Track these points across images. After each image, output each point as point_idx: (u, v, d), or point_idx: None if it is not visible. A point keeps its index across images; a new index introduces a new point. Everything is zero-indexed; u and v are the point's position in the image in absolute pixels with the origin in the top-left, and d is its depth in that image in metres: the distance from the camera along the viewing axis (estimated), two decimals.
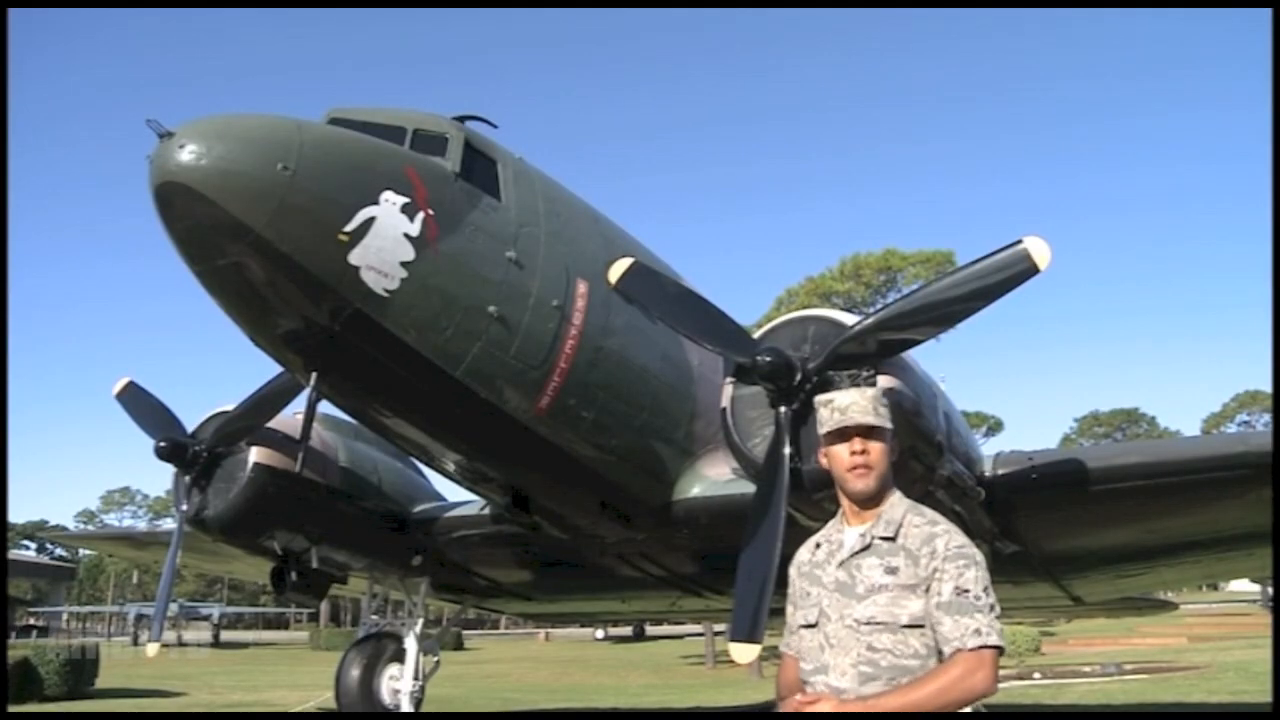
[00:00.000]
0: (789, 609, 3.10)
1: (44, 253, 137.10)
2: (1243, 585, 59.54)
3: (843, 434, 2.99)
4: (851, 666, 2.78)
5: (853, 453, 2.97)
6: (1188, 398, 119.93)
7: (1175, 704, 15.22)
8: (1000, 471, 7.79)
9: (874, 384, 6.41)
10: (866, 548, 2.89)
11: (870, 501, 2.97)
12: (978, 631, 2.69)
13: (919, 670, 2.74)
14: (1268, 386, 52.15)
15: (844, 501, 3.04)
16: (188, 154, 5.78)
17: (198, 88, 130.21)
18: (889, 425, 3.02)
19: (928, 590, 2.77)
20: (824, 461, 3.08)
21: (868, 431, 2.97)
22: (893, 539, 2.86)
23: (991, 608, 2.76)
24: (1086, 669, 22.26)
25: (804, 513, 6.77)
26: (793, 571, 3.13)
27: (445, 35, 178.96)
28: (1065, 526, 8.64)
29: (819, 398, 3.12)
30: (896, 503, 2.99)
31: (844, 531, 3.01)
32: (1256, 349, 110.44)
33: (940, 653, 2.75)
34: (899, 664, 2.75)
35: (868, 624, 2.78)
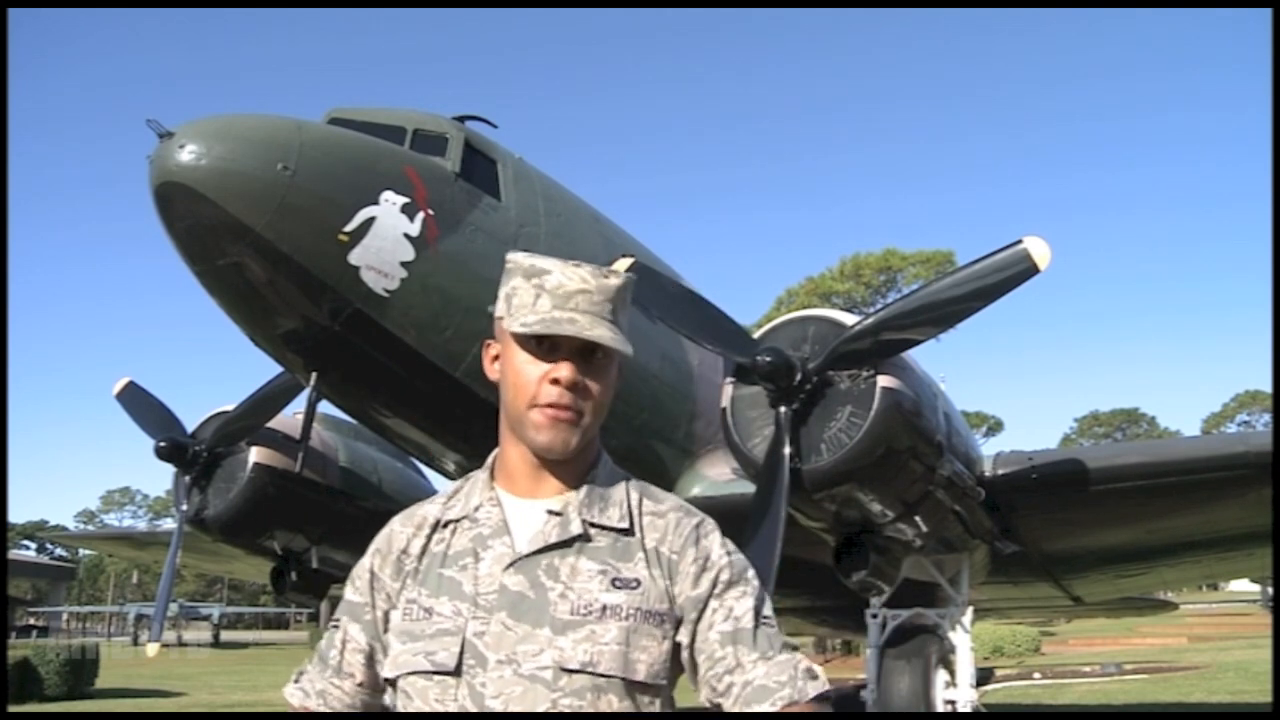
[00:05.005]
0: (344, 633, 1.74)
1: (44, 252, 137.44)
2: (1243, 585, 59.47)
3: (548, 344, 1.66)
4: None
5: (556, 380, 1.64)
6: (1188, 398, 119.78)
7: (1175, 704, 15.24)
8: (1000, 471, 7.80)
9: (874, 384, 6.44)
10: (574, 540, 1.64)
11: (566, 462, 1.71)
12: (809, 672, 1.63)
13: None
14: (1268, 386, 52.22)
15: (510, 452, 1.73)
16: (188, 154, 5.79)
17: (198, 88, 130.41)
18: (626, 346, 1.68)
19: (697, 621, 1.63)
20: (490, 367, 1.81)
21: (592, 352, 1.67)
22: (628, 532, 1.67)
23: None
24: (1086, 669, 22.21)
25: (804, 513, 6.79)
26: (374, 564, 1.74)
27: (445, 35, 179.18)
28: (1065, 526, 8.65)
29: (512, 262, 1.73)
30: (612, 471, 1.78)
31: (502, 504, 1.70)
32: (1256, 349, 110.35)
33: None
34: None
35: (579, 674, 1.53)
